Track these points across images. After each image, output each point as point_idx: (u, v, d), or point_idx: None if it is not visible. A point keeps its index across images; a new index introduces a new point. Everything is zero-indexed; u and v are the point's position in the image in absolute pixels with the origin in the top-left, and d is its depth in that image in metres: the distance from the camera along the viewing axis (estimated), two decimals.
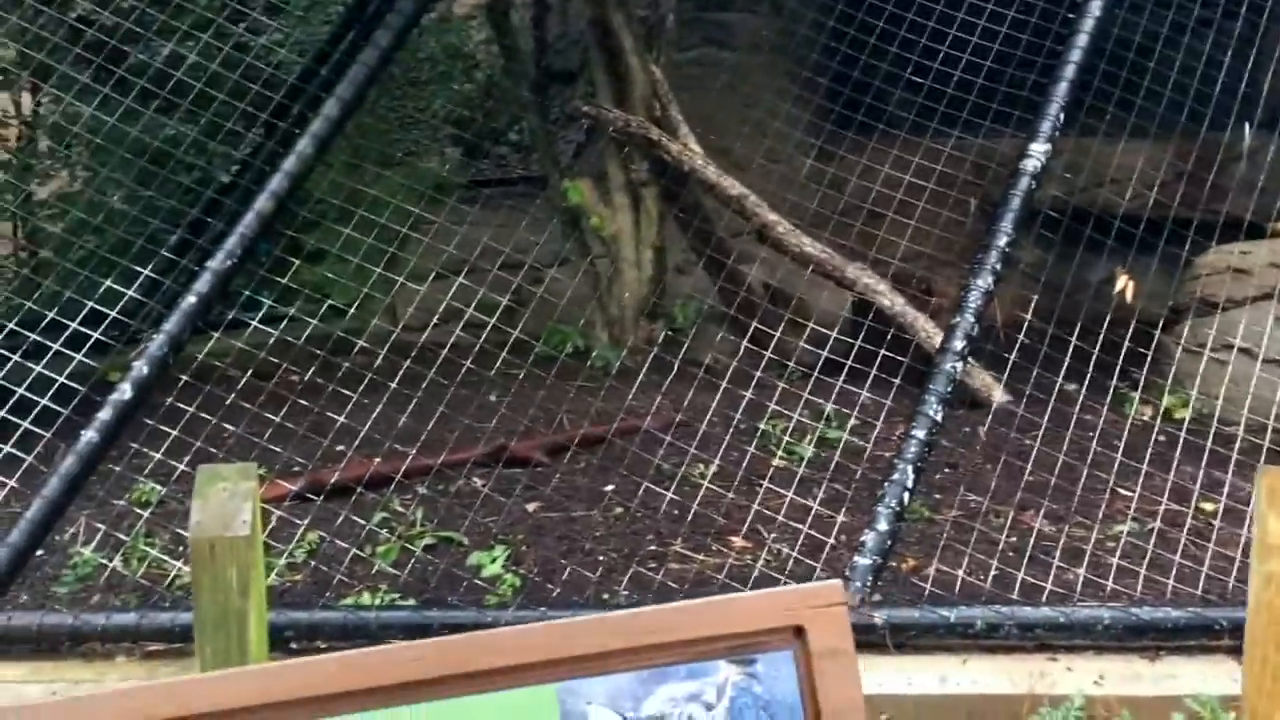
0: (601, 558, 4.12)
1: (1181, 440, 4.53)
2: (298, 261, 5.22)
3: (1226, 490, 4.24)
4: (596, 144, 6.33)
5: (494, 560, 4.04)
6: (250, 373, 4.19)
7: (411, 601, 3.65)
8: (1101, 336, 4.38)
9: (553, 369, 5.38)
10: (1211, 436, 4.50)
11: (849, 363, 4.68)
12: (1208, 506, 4.21)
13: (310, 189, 5.92)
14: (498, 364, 4.86)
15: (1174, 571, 3.61)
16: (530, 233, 5.75)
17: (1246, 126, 5.60)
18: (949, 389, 3.61)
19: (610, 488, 4.65)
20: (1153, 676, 3.23)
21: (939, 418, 3.57)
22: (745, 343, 5.31)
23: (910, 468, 3.50)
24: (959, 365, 3.69)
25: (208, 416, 3.87)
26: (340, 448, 4.59)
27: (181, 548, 3.91)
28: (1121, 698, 3.11)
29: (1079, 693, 3.05)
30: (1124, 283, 4.09)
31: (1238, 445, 4.37)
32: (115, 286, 4.04)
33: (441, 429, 4.70)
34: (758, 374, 4.82)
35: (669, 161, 5.91)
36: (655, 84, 5.84)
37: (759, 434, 4.82)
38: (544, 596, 3.64)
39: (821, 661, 1.19)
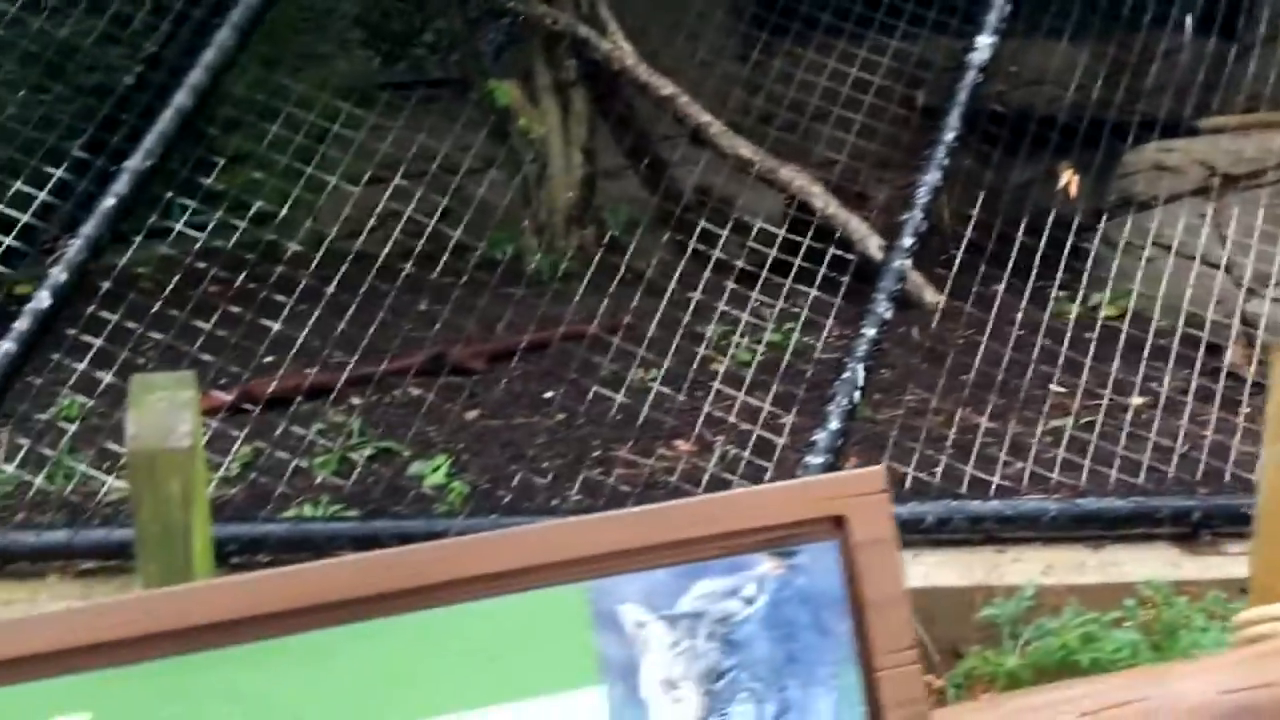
0: (546, 464, 4.07)
1: (1119, 337, 4.60)
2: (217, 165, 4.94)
3: (1153, 383, 4.36)
4: (520, 43, 6.11)
5: (436, 469, 3.96)
6: (176, 282, 4.00)
7: (355, 513, 3.56)
8: (1045, 236, 4.40)
9: (485, 276, 5.25)
10: (1146, 333, 4.58)
11: (788, 267, 4.65)
12: (1138, 401, 4.31)
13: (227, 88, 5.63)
14: (430, 273, 4.72)
15: (1116, 463, 3.69)
16: (458, 137, 5.56)
17: (1188, 23, 5.62)
18: (898, 286, 3.59)
19: (550, 394, 4.58)
20: (1097, 565, 3.31)
21: (889, 315, 3.56)
22: (681, 248, 5.24)
23: (861, 366, 3.50)
24: (908, 262, 3.68)
25: (134, 325, 3.68)
26: (270, 358, 4.44)
27: (107, 463, 3.76)
28: (1069, 586, 3.18)
29: (1030, 583, 3.10)
30: (1068, 178, 4.08)
31: (1175, 340, 4.47)
32: (27, 189, 3.77)
33: (375, 338, 4.57)
34: (693, 279, 4.77)
35: (598, 61, 5.74)
36: None
37: (697, 339, 4.77)
38: (494, 504, 3.58)
39: (863, 552, 1.14)
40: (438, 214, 4.90)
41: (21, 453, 3.53)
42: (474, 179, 5.88)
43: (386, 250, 4.54)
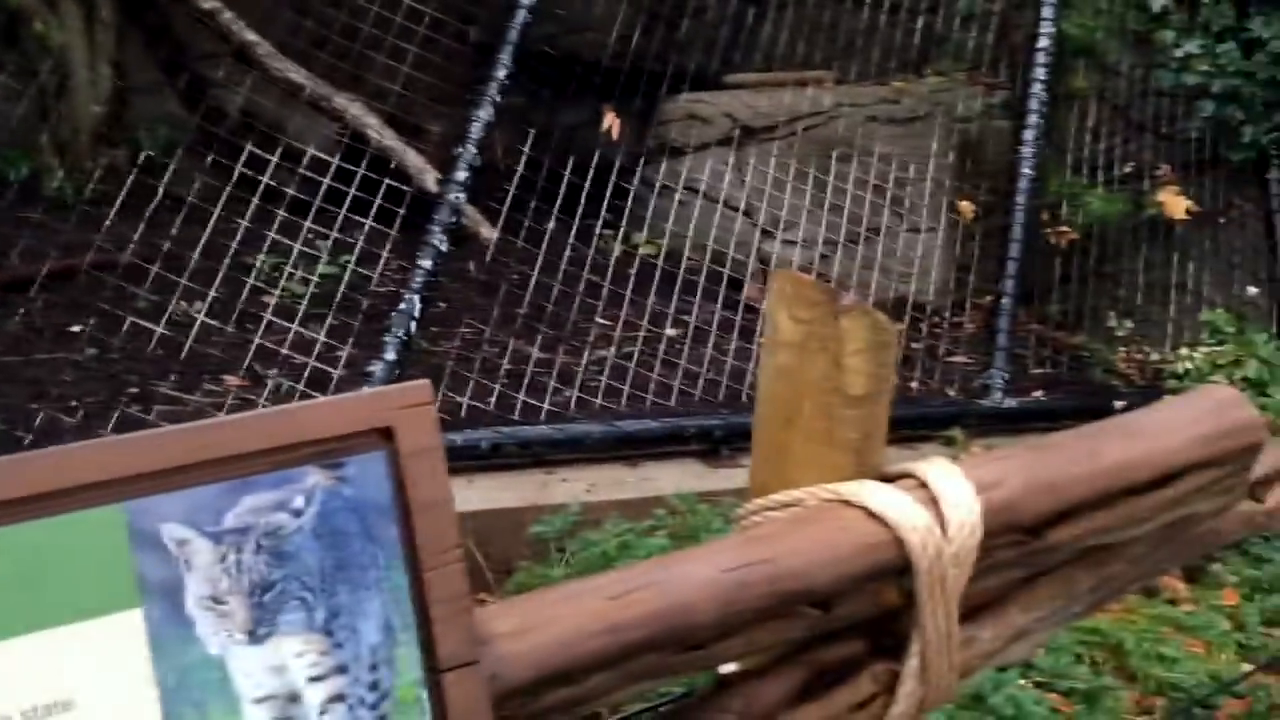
0: (75, 403, 3.75)
1: (656, 273, 4.97)
2: None
3: (683, 315, 4.78)
4: None
5: None
6: None
7: None
8: (591, 176, 4.64)
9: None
10: (679, 269, 4.99)
11: (341, 198, 4.57)
12: (672, 331, 4.71)
13: None
14: None
15: (651, 388, 4.02)
16: None
17: None
18: (453, 219, 3.66)
19: (78, 328, 4.22)
20: (635, 481, 3.60)
21: (444, 248, 3.62)
22: (225, 174, 4.97)
23: (417, 298, 3.54)
24: (462, 196, 3.75)
25: None
26: None
27: None
28: (611, 501, 3.44)
29: (575, 500, 3.32)
30: (610, 121, 4.33)
31: (702, 276, 4.90)
32: None
33: None
34: (239, 207, 4.56)
35: None
36: None
37: (245, 270, 4.57)
38: (12, 447, 3.26)
39: (411, 461, 1.19)
40: None
41: None
42: None
43: None
